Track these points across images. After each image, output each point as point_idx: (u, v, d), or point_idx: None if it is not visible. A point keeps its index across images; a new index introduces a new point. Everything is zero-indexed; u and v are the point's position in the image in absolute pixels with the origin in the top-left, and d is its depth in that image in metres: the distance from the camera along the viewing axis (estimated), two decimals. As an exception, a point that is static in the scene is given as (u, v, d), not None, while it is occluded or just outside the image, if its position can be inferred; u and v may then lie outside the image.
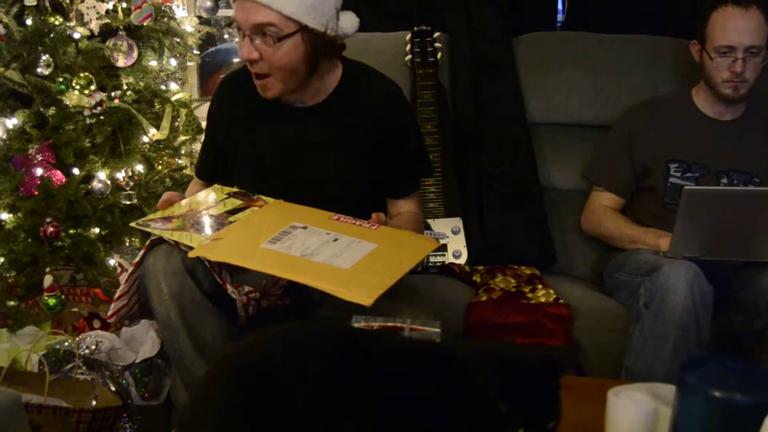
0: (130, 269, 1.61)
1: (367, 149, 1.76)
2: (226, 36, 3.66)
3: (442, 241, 2.35)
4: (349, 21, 1.70)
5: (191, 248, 1.49)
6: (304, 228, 1.53)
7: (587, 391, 1.21)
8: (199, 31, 2.63)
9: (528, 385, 0.97)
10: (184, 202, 1.68)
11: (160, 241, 1.58)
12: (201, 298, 1.54)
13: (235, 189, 1.75)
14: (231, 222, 1.59)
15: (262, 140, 1.77)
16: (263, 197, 1.71)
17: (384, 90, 1.80)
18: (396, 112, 1.79)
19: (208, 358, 1.54)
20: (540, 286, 2.12)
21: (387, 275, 1.41)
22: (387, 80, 1.82)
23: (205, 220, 1.60)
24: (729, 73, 2.07)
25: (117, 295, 1.63)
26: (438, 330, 1.24)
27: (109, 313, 1.65)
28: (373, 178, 1.80)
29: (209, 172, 1.91)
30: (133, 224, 1.62)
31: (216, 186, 1.77)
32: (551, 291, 2.09)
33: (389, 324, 1.25)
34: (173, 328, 1.53)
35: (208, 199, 1.69)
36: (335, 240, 1.49)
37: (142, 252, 1.59)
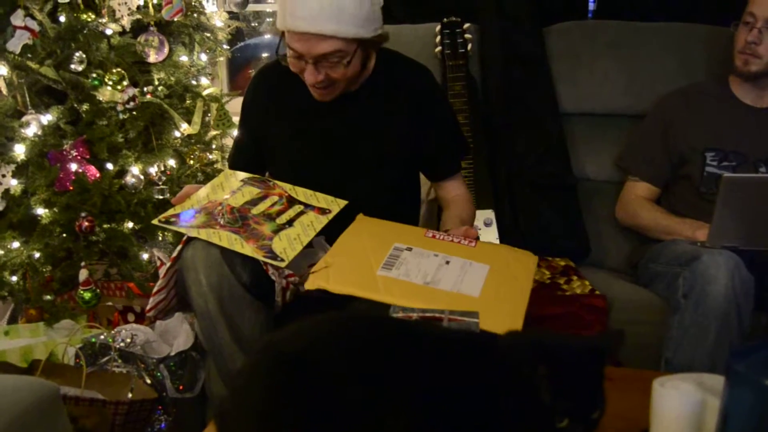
0: (169, 263, 1.62)
1: (404, 130, 1.78)
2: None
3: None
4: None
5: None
6: (409, 249, 1.53)
7: (628, 382, 1.20)
8: (229, 26, 2.63)
9: (572, 374, 0.95)
10: (201, 193, 1.66)
11: None
12: (239, 289, 1.54)
13: (248, 174, 1.74)
14: (254, 215, 1.58)
15: (299, 130, 1.78)
16: (279, 183, 1.70)
17: (415, 71, 1.82)
18: (428, 90, 1.82)
19: (246, 350, 1.54)
20: (575, 278, 2.10)
21: (516, 301, 1.43)
22: (417, 63, 1.85)
23: (229, 214, 1.59)
24: (743, 43, 2.03)
25: (155, 289, 1.64)
26: (476, 320, 1.23)
27: (148, 306, 1.65)
28: (412, 160, 1.82)
29: (242, 162, 1.90)
30: (155, 221, 1.61)
31: (228, 172, 1.76)
32: (586, 282, 2.06)
33: (428, 314, 1.24)
34: (212, 320, 1.54)
35: (224, 188, 1.68)
36: (447, 263, 1.50)
37: (180, 246, 1.59)
